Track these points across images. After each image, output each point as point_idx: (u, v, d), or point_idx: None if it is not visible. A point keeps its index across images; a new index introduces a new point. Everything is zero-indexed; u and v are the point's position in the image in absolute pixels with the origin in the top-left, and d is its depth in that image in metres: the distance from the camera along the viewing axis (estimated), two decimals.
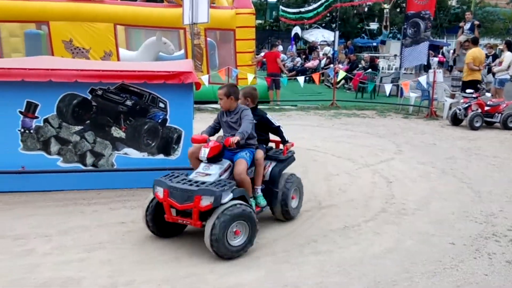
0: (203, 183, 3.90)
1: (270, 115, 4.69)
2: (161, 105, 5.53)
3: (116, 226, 4.60)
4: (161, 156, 5.65)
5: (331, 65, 17.39)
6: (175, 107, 5.56)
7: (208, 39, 12.86)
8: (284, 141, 4.74)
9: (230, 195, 3.88)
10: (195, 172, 4.16)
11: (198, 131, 6.65)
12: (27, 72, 5.01)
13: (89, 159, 5.51)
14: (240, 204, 3.85)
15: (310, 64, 20.81)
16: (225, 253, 3.81)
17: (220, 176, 4.08)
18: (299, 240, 4.31)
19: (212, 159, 4.12)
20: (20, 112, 5.25)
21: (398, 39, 27.57)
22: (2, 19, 11.24)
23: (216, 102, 12.26)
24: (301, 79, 12.68)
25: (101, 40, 11.92)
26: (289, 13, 25.19)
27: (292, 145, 4.80)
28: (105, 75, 5.20)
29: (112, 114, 5.46)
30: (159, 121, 5.57)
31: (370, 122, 10.75)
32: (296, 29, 29.57)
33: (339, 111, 12.20)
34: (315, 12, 22.51)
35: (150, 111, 5.53)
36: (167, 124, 5.59)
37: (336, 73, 13.45)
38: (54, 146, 5.40)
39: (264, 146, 4.66)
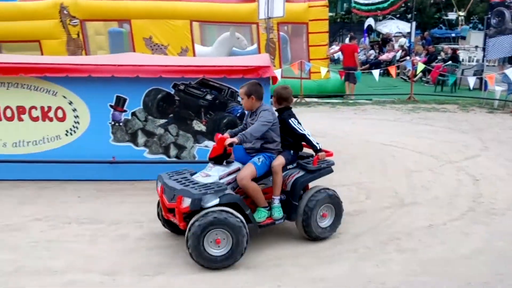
0: (195, 183, 3.69)
1: (294, 120, 4.09)
2: (240, 99, 5.62)
3: None
4: None
5: (408, 57, 16.74)
6: None
7: (280, 33, 12.88)
8: (315, 150, 4.10)
9: (216, 200, 3.56)
10: (200, 171, 3.96)
11: None
12: (116, 68, 5.32)
13: (173, 151, 5.75)
14: (213, 211, 3.51)
15: (384, 56, 20.16)
16: (206, 263, 3.57)
17: (220, 178, 3.80)
18: (381, 237, 4.22)
19: (216, 160, 3.88)
20: (111, 106, 5.58)
21: (479, 29, 25.87)
22: (88, 18, 11.97)
23: None
24: (376, 72, 12.34)
25: (179, 36, 12.33)
26: (362, 4, 24.54)
27: (330, 154, 4.16)
28: (187, 70, 5.39)
29: (194, 108, 5.65)
30: (238, 115, 5.68)
31: (452, 117, 10.21)
32: (370, 21, 28.73)
33: (417, 105, 11.71)
34: (389, 2, 21.75)
35: (229, 105, 5.65)
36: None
37: (414, 65, 12.90)
38: (141, 138, 5.69)
39: (292, 152, 4.14)
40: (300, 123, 4.13)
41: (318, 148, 4.09)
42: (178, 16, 12.13)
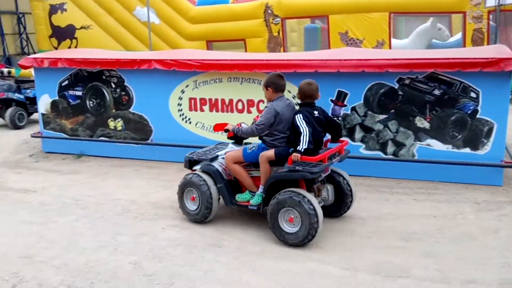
0: (207, 153, 4.54)
1: (300, 116, 3.96)
2: (473, 94, 5.13)
3: (427, 219, 4.50)
4: (467, 150, 5.27)
5: None
6: (489, 98, 5.09)
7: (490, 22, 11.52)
8: (296, 150, 3.91)
9: (198, 167, 4.48)
10: None
11: None
12: (342, 63, 5.34)
13: (390, 148, 5.56)
14: (188, 174, 4.45)
15: None
16: (188, 217, 4.46)
17: (225, 154, 4.42)
18: None
19: (232, 139, 4.55)
20: (331, 100, 5.66)
21: None
22: (289, 16, 12.49)
23: None
24: None
25: (375, 29, 12.00)
26: None
27: (308, 159, 3.87)
28: (416, 64, 5.12)
29: (418, 104, 5.36)
30: (469, 112, 5.19)
31: None
32: None
33: None
34: None
35: (460, 101, 5.20)
36: (478, 116, 5.16)
37: None
38: (358, 134, 5.65)
39: (292, 149, 4.00)
40: (308, 122, 3.95)
41: (299, 149, 3.87)
42: (376, 9, 11.81)
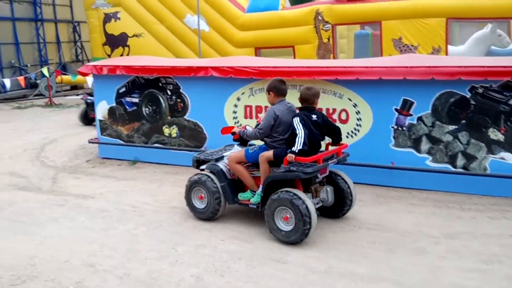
0: (215, 153, 4.76)
1: (298, 119, 4.15)
2: None
3: (505, 239, 4.15)
4: None
5: None
6: None
7: None
8: (290, 150, 4.09)
9: (203, 166, 4.71)
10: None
11: None
12: (409, 70, 5.07)
13: (460, 161, 5.21)
14: (201, 174, 4.62)
15: None
16: (194, 214, 4.69)
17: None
18: None
19: (237, 142, 4.74)
20: (396, 110, 5.38)
21: None
22: (340, 22, 12.24)
23: None
24: None
25: (431, 36, 11.55)
26: None
27: (301, 159, 4.04)
28: (491, 72, 4.78)
29: (491, 114, 5.00)
30: None
31: None
32: None
33: None
34: None
35: None
36: None
37: None
38: (425, 145, 5.33)
39: (288, 149, 4.15)
40: (305, 124, 4.12)
41: (294, 150, 4.05)
42: (433, 15, 11.37)
